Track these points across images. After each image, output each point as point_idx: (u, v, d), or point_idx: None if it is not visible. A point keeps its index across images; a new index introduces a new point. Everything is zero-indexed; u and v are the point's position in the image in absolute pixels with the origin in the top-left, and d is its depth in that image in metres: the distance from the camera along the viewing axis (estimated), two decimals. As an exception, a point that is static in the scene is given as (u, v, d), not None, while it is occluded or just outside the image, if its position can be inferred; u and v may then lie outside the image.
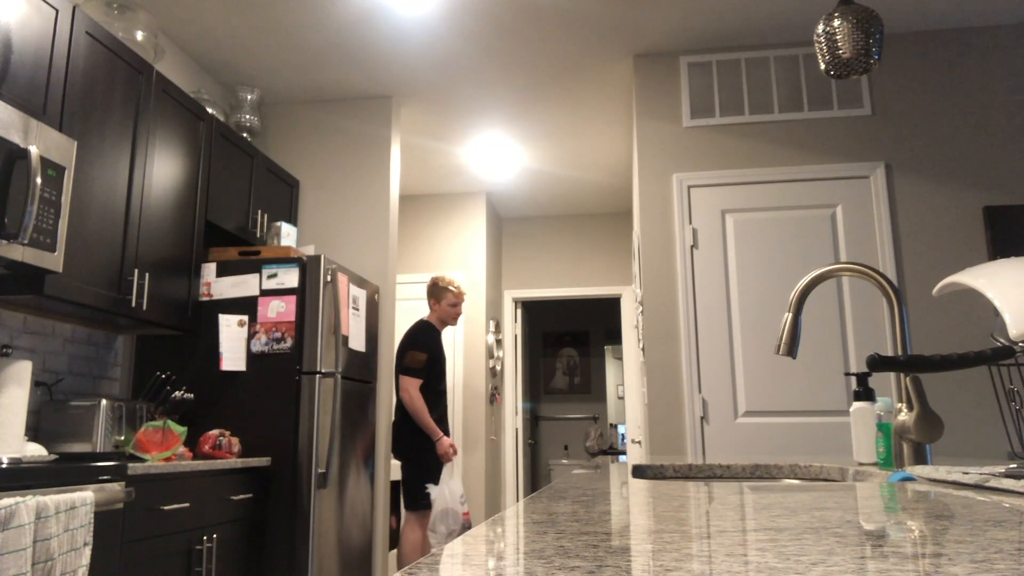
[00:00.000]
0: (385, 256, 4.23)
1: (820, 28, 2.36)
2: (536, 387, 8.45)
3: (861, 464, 1.53)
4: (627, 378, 6.07)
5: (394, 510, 4.36)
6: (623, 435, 7.81)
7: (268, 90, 4.29)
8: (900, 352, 1.43)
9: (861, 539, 0.51)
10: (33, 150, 2.20)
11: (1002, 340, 1.10)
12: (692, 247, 3.68)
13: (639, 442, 5.20)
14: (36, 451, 2.42)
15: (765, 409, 3.47)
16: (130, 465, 2.31)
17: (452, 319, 4.07)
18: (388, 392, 4.15)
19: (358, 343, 3.71)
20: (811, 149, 3.70)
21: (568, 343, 8.55)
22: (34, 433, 2.74)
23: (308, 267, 3.35)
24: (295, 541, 3.10)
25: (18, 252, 2.17)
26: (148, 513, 2.41)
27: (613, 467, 1.67)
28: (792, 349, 1.53)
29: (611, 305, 8.36)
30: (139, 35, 3.12)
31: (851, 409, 1.60)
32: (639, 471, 1.63)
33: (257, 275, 3.34)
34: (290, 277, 3.32)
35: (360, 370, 3.74)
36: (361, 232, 4.26)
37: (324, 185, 4.34)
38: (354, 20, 3.60)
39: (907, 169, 3.61)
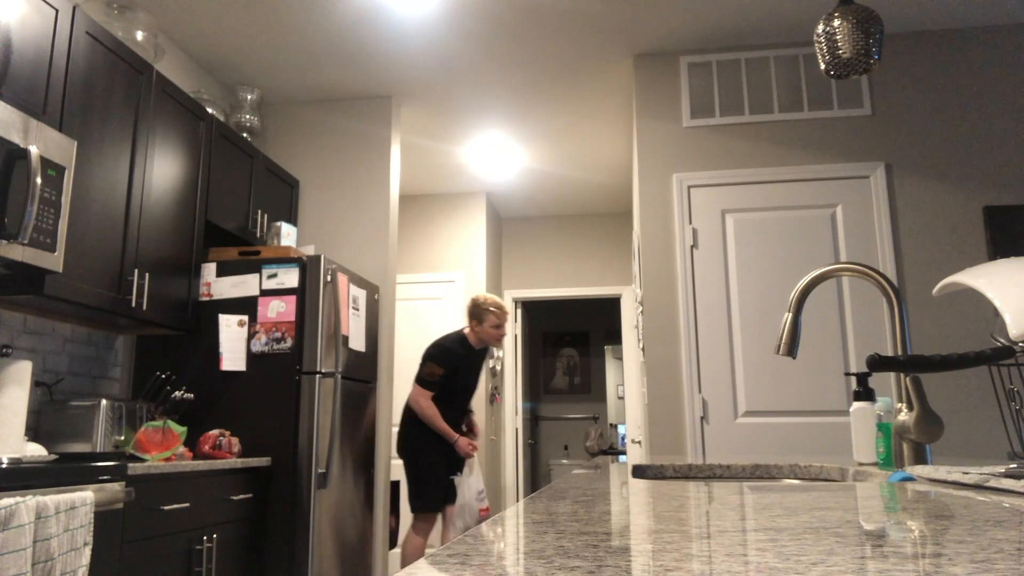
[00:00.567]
0: (385, 256, 4.23)
1: (820, 28, 2.36)
2: (536, 387, 8.46)
3: (861, 464, 1.53)
4: (627, 378, 6.07)
5: (394, 510, 4.36)
6: (623, 435, 7.81)
7: (268, 90, 4.29)
8: (900, 352, 1.43)
9: (861, 539, 0.51)
10: (33, 150, 2.20)
11: (1002, 340, 1.10)
12: (692, 247, 3.68)
13: (639, 442, 5.20)
14: (36, 451, 2.42)
15: (765, 409, 3.47)
16: (130, 465, 2.31)
17: (495, 340, 3.86)
18: (388, 392, 4.15)
19: (358, 343, 3.71)
20: (811, 149, 3.70)
21: (568, 343, 8.55)
22: (34, 433, 2.74)
23: (308, 267, 3.34)
24: (295, 541, 3.10)
25: (18, 252, 2.17)
26: (148, 513, 2.41)
27: (613, 467, 1.67)
28: (792, 349, 1.53)
29: (611, 305, 8.36)
30: (139, 35, 3.12)
31: (851, 409, 1.60)
32: (639, 471, 1.63)
33: (257, 275, 3.34)
34: (290, 277, 3.32)
35: (360, 370, 3.74)
36: (361, 232, 4.26)
37: (324, 185, 4.34)
38: (354, 20, 3.60)
39: (907, 169, 3.61)
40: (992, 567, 0.40)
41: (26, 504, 1.81)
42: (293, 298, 3.30)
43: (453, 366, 3.78)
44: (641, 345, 4.07)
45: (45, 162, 2.28)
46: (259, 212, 3.81)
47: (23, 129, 2.21)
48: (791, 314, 1.53)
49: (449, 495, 3.80)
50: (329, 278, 3.40)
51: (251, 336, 3.29)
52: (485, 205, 5.95)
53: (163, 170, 3.08)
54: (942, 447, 3.33)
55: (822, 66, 2.39)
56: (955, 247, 3.50)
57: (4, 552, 1.73)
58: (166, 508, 2.50)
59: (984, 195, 3.52)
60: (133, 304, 2.82)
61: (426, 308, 5.79)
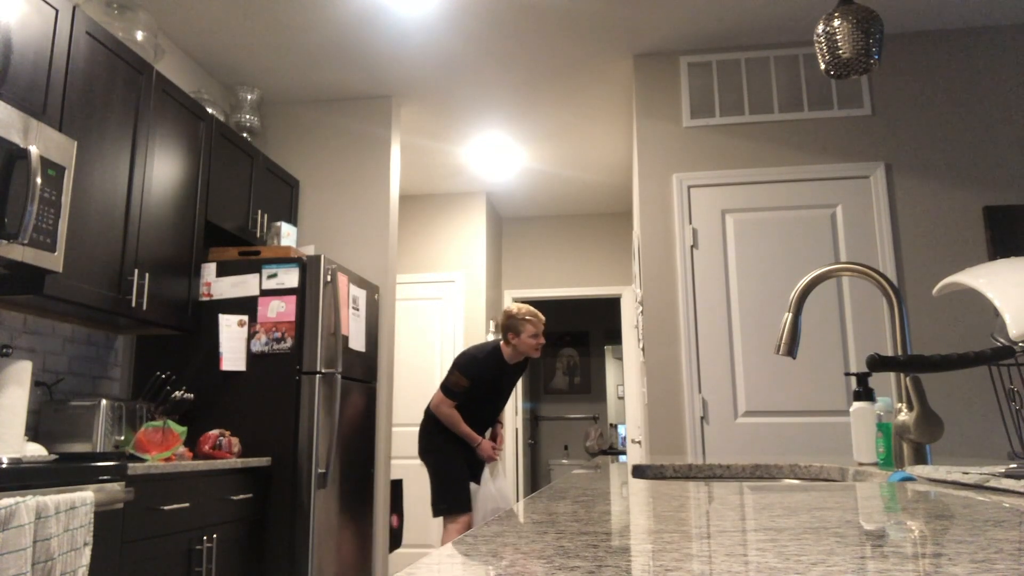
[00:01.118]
0: (385, 256, 4.23)
1: (820, 28, 2.36)
2: (536, 387, 8.46)
3: (861, 464, 1.53)
4: (627, 378, 6.07)
5: (394, 510, 4.35)
6: (623, 435, 7.81)
7: (268, 90, 4.29)
8: (900, 352, 1.43)
9: (861, 539, 0.51)
10: (33, 150, 2.20)
11: (1002, 340, 1.10)
12: (692, 247, 3.68)
13: (639, 442, 5.20)
14: (36, 451, 2.42)
15: (765, 409, 3.47)
16: (130, 465, 2.31)
17: (534, 351, 3.66)
18: (388, 392, 4.15)
19: (358, 343, 3.71)
20: (811, 149, 3.70)
21: (568, 343, 8.55)
22: (34, 433, 2.74)
23: (308, 267, 3.35)
24: (295, 541, 3.10)
25: (18, 252, 2.17)
26: (148, 513, 2.41)
27: (613, 467, 1.67)
28: (792, 349, 1.53)
29: (611, 305, 8.36)
30: (139, 35, 3.12)
31: (851, 409, 1.60)
32: (639, 471, 1.63)
33: (257, 275, 3.34)
34: (290, 277, 3.32)
35: (360, 370, 3.74)
36: (361, 232, 4.26)
37: (324, 185, 4.34)
38: (354, 20, 3.60)
39: (907, 169, 3.61)
40: (992, 567, 0.40)
41: (26, 504, 1.81)
42: (293, 298, 3.30)
43: (481, 379, 3.63)
44: (641, 345, 4.07)
45: (45, 162, 2.28)
46: (259, 212, 3.81)
47: (23, 129, 2.21)
48: (791, 314, 1.53)
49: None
50: (329, 278, 3.40)
51: (251, 336, 3.29)
52: (485, 205, 5.95)
53: (163, 170, 3.08)
54: (942, 447, 3.33)
55: (822, 66, 2.39)
56: (955, 247, 3.50)
57: (4, 552, 1.73)
58: (166, 508, 2.50)
59: (984, 195, 3.52)
60: (133, 304, 2.82)
61: (426, 308, 5.79)
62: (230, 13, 3.54)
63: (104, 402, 2.77)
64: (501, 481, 3.65)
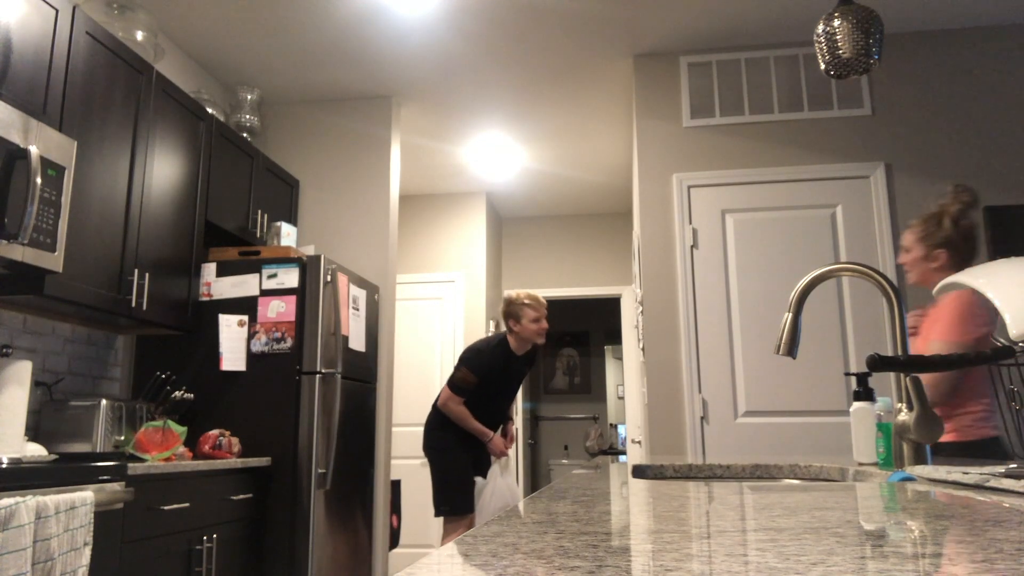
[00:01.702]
0: (385, 256, 4.23)
1: (820, 28, 2.36)
2: (536, 387, 8.46)
3: (861, 464, 1.53)
4: (627, 378, 6.07)
5: (394, 510, 4.35)
6: (623, 435, 7.81)
7: (268, 90, 4.29)
8: (900, 352, 1.43)
9: (861, 539, 0.51)
10: (33, 150, 2.20)
11: (1002, 340, 1.10)
12: (692, 247, 3.68)
13: (639, 442, 5.20)
14: (36, 451, 2.42)
15: (765, 409, 3.47)
16: (130, 465, 2.31)
17: (538, 336, 3.57)
18: (388, 392, 4.15)
19: (358, 343, 3.71)
20: (811, 149, 3.70)
21: (568, 343, 8.55)
22: (34, 433, 2.74)
23: (308, 267, 3.35)
24: (295, 541, 3.10)
25: (18, 252, 2.17)
26: (148, 513, 2.41)
27: (613, 467, 1.67)
28: (792, 349, 1.53)
29: (611, 305, 8.36)
30: (139, 35, 3.12)
31: (851, 409, 1.60)
32: (639, 471, 1.62)
33: (257, 275, 3.34)
34: (290, 277, 3.32)
35: (360, 370, 3.74)
36: (361, 232, 4.26)
37: (324, 185, 4.34)
38: (354, 20, 3.60)
39: (907, 169, 3.61)
40: (992, 567, 0.40)
41: (26, 504, 1.81)
42: (293, 298, 3.30)
43: (489, 373, 3.55)
44: (641, 345, 4.07)
45: (45, 162, 2.28)
46: (259, 212, 3.81)
47: (23, 129, 2.21)
48: (791, 314, 1.53)
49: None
50: (329, 278, 3.40)
51: (251, 336, 3.29)
52: (485, 205, 5.95)
53: (163, 170, 3.08)
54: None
55: (822, 66, 2.39)
56: (955, 247, 3.49)
57: (4, 552, 1.73)
58: (166, 508, 2.50)
59: (984, 195, 3.52)
60: (133, 304, 2.82)
61: (426, 308, 5.79)
62: (230, 13, 3.54)
63: (104, 402, 2.77)
64: (511, 478, 3.57)
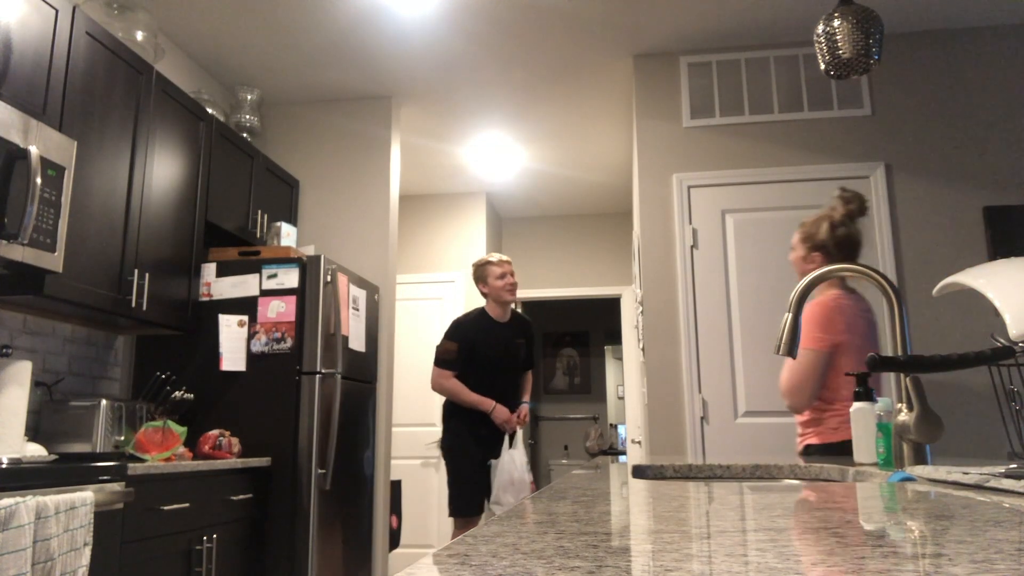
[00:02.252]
0: (385, 256, 4.23)
1: (820, 28, 2.36)
2: (536, 387, 8.46)
3: (861, 464, 1.53)
4: (627, 378, 6.07)
5: (394, 510, 4.35)
6: (623, 435, 7.81)
7: (268, 90, 4.29)
8: (900, 352, 1.43)
9: (861, 539, 0.51)
10: (33, 150, 2.20)
11: (1002, 340, 1.10)
12: (692, 247, 3.67)
13: (639, 442, 5.20)
14: (36, 451, 2.42)
15: (765, 409, 3.47)
16: (130, 465, 2.31)
17: (507, 292, 3.58)
18: (388, 392, 4.15)
19: (358, 343, 3.71)
20: (811, 149, 3.70)
21: (568, 343, 8.55)
22: (34, 433, 2.74)
23: (308, 267, 3.35)
24: (295, 541, 3.10)
25: (18, 252, 2.17)
26: (148, 513, 2.41)
27: (613, 467, 1.67)
28: (792, 349, 1.53)
29: (611, 305, 8.36)
30: (139, 35, 3.12)
31: (851, 409, 1.60)
32: (639, 471, 1.62)
33: (257, 275, 3.34)
34: (290, 277, 3.32)
35: (360, 370, 3.74)
36: (361, 232, 4.26)
37: (324, 185, 4.34)
38: (354, 20, 3.60)
39: (907, 169, 3.61)
40: (992, 567, 0.40)
41: (26, 504, 1.81)
42: (293, 298, 3.30)
43: (469, 340, 3.53)
44: (641, 345, 4.07)
45: (45, 162, 2.28)
46: (259, 212, 3.81)
47: (23, 129, 2.21)
48: (791, 314, 1.53)
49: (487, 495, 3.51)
50: (329, 278, 3.40)
51: (251, 336, 3.29)
52: (485, 205, 5.95)
53: (163, 170, 3.08)
54: (942, 447, 3.33)
55: (822, 66, 2.39)
56: (955, 247, 3.50)
57: (4, 552, 1.73)
58: (166, 508, 2.50)
59: (984, 195, 3.52)
60: (133, 304, 2.82)
61: (426, 308, 5.79)
62: (230, 13, 3.54)
63: (104, 402, 2.77)
64: (519, 453, 3.48)
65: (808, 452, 2.23)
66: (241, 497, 2.98)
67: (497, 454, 3.49)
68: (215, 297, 3.33)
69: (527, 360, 3.76)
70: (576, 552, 0.48)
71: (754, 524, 0.60)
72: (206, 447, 2.96)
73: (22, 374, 2.40)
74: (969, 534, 0.52)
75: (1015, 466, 0.98)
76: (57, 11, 2.47)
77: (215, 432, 3.01)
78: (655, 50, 3.92)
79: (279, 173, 4.09)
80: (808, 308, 2.27)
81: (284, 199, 4.14)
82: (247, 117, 4.08)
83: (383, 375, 4.09)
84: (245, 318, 3.30)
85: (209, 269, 3.36)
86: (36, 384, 2.75)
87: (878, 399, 1.60)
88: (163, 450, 2.69)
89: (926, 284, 3.48)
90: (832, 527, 0.58)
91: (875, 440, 1.54)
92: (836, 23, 2.31)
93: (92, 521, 2.04)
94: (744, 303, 3.59)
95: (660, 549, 0.48)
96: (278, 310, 3.30)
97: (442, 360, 3.54)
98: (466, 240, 5.90)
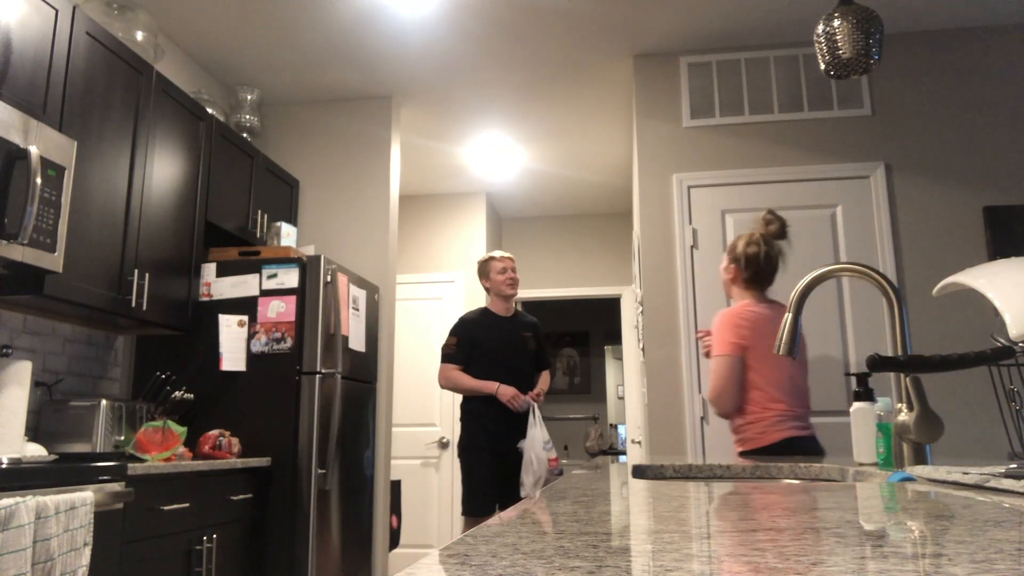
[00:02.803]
0: (385, 256, 4.23)
1: (820, 28, 2.36)
2: (536, 387, 8.44)
3: (861, 464, 1.53)
4: (627, 378, 6.07)
5: (394, 510, 4.35)
6: (623, 435, 7.81)
7: (268, 90, 4.29)
8: (900, 352, 1.43)
9: (861, 539, 0.51)
10: (33, 150, 2.20)
11: (1002, 340, 1.10)
12: (692, 247, 3.67)
13: (639, 442, 5.20)
14: (36, 451, 2.42)
15: (765, 409, 3.46)
16: (130, 465, 2.31)
17: (507, 286, 3.66)
18: (388, 392, 4.15)
19: (358, 343, 3.71)
20: (811, 149, 3.70)
21: (568, 343, 8.55)
22: (34, 433, 2.74)
23: (308, 267, 3.34)
24: (295, 541, 3.10)
25: (18, 252, 2.17)
26: (148, 513, 2.41)
27: (613, 467, 1.67)
28: (792, 349, 1.53)
29: (611, 305, 8.36)
30: (139, 35, 3.12)
31: (851, 409, 1.60)
32: (639, 471, 1.62)
33: (257, 275, 3.34)
34: (290, 277, 3.32)
35: (360, 370, 3.73)
36: (361, 232, 4.26)
37: (324, 185, 4.34)
38: (354, 20, 3.60)
39: (907, 169, 3.61)
40: (992, 567, 0.40)
41: (26, 504, 1.81)
42: (293, 298, 3.30)
43: (470, 334, 3.60)
44: (641, 345, 4.07)
45: (45, 162, 2.28)
46: (259, 212, 3.81)
47: (23, 129, 2.21)
48: (791, 314, 1.53)
49: (503, 499, 3.50)
50: (329, 278, 3.40)
51: (251, 336, 3.29)
52: (485, 205, 5.95)
53: (163, 170, 3.08)
54: (942, 447, 3.33)
55: (822, 66, 2.39)
56: (955, 247, 3.50)
57: (4, 552, 1.73)
58: (166, 508, 2.50)
59: (984, 195, 3.52)
60: (133, 304, 2.82)
61: (426, 308, 5.79)
62: (230, 13, 3.54)
63: (104, 402, 2.77)
64: (540, 429, 3.49)
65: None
66: (241, 497, 2.98)
67: (515, 447, 3.48)
68: (215, 297, 3.33)
69: (541, 361, 3.78)
70: (576, 552, 0.48)
71: (754, 524, 0.60)
72: (206, 447, 2.96)
73: (22, 374, 2.40)
74: (969, 534, 0.52)
75: (1015, 466, 0.98)
76: (57, 11, 2.47)
77: (215, 432, 3.01)
78: (655, 50, 3.92)
79: (279, 173, 4.09)
80: (717, 318, 2.48)
81: (284, 199, 4.15)
82: (247, 117, 4.08)
83: (383, 375, 4.09)
84: (245, 318, 3.30)
85: (209, 269, 3.36)
86: (36, 384, 2.75)
87: (878, 399, 1.61)
88: (163, 450, 2.69)
89: (926, 284, 3.48)
90: (832, 527, 0.58)
91: (875, 440, 1.54)
92: (836, 23, 2.31)
93: (92, 521, 2.04)
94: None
95: (660, 549, 0.48)
96: (278, 310, 3.30)
97: (445, 355, 3.62)
98: (466, 240, 5.90)
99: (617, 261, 6.31)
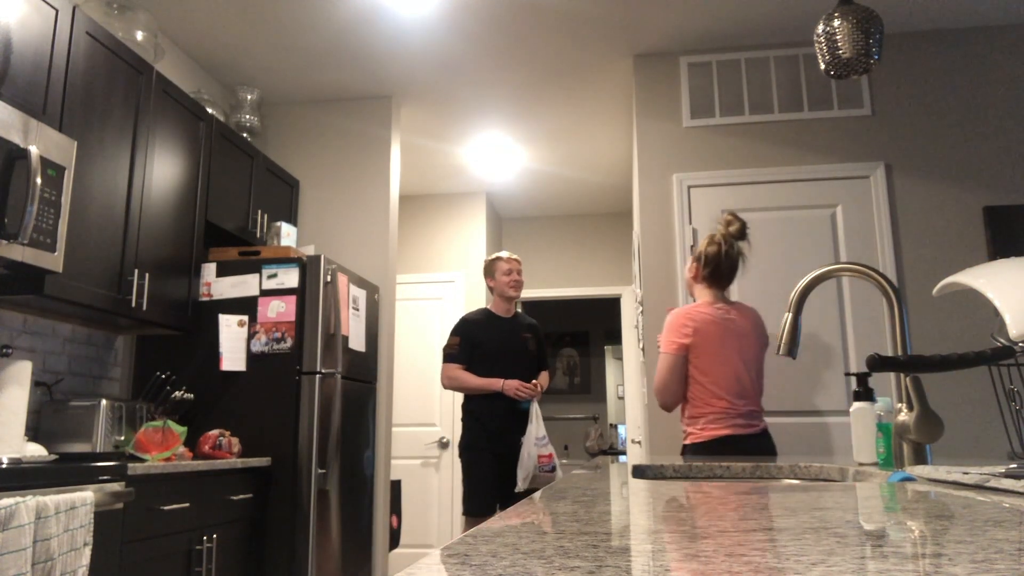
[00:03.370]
0: (385, 256, 4.23)
1: (820, 28, 2.36)
2: (536, 387, 8.44)
3: (861, 464, 1.53)
4: (627, 378, 6.07)
5: (394, 510, 4.35)
6: (623, 435, 7.81)
7: (268, 90, 4.29)
8: (900, 352, 1.43)
9: (861, 539, 0.51)
10: (33, 150, 2.20)
11: (1002, 340, 1.10)
12: (692, 247, 3.67)
13: (639, 442, 5.20)
14: (36, 451, 2.42)
15: (765, 409, 3.46)
16: (130, 465, 2.31)
17: (510, 288, 3.69)
18: (388, 392, 4.15)
19: (358, 343, 3.71)
20: (811, 149, 3.70)
21: (568, 343, 8.55)
22: (34, 433, 2.74)
23: (308, 267, 3.35)
24: (295, 541, 3.10)
25: (18, 252, 2.17)
26: (148, 513, 2.41)
27: (613, 467, 1.67)
28: (792, 349, 1.53)
29: (611, 305, 8.36)
30: (139, 35, 3.12)
31: (851, 409, 1.60)
32: (639, 471, 1.62)
33: (257, 275, 3.34)
34: (290, 277, 3.32)
35: (360, 370, 3.74)
36: (361, 232, 4.26)
37: (324, 185, 4.34)
38: (354, 20, 3.60)
39: (907, 169, 3.61)
40: (992, 567, 0.40)
41: (26, 504, 1.81)
42: (293, 298, 3.30)
43: (471, 334, 3.61)
44: (641, 345, 4.07)
45: (45, 162, 2.28)
46: (259, 212, 3.81)
47: (23, 129, 2.21)
48: (791, 314, 1.53)
49: (504, 499, 3.50)
50: (329, 278, 3.40)
51: (251, 336, 3.29)
52: (485, 205, 5.95)
53: (163, 170, 3.08)
54: (942, 447, 3.33)
55: (822, 66, 2.39)
56: (955, 247, 3.50)
57: (4, 552, 1.73)
58: (166, 508, 2.50)
59: (984, 195, 3.52)
60: (133, 304, 2.82)
61: (426, 308, 5.79)
62: (230, 13, 3.54)
63: (104, 402, 2.77)
64: (536, 424, 3.46)
65: (684, 452, 2.58)
66: (241, 497, 2.98)
67: (515, 447, 3.47)
68: (215, 297, 3.33)
69: (540, 361, 3.79)
70: (576, 552, 0.48)
71: (754, 524, 0.60)
72: (206, 447, 2.96)
73: (22, 374, 2.40)
74: (969, 534, 0.52)
75: (1015, 466, 0.98)
76: (57, 11, 2.47)
77: (215, 432, 3.01)
78: (655, 50, 3.92)
79: (279, 173, 4.09)
80: (668, 317, 2.63)
81: (284, 199, 4.15)
82: (247, 117, 4.08)
83: (383, 375, 4.09)
84: (245, 318, 3.30)
85: (209, 269, 3.36)
86: (36, 384, 2.75)
87: (878, 399, 1.61)
88: (163, 450, 2.69)
89: (926, 284, 3.47)
90: (832, 527, 0.58)
91: (875, 440, 1.54)
92: (836, 23, 2.31)
93: (92, 521, 2.04)
94: (744, 303, 3.58)
95: (660, 549, 0.48)
96: (278, 310, 3.30)
97: (447, 355, 3.63)
98: (466, 240, 5.90)
99: (617, 261, 6.30)
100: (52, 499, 1.90)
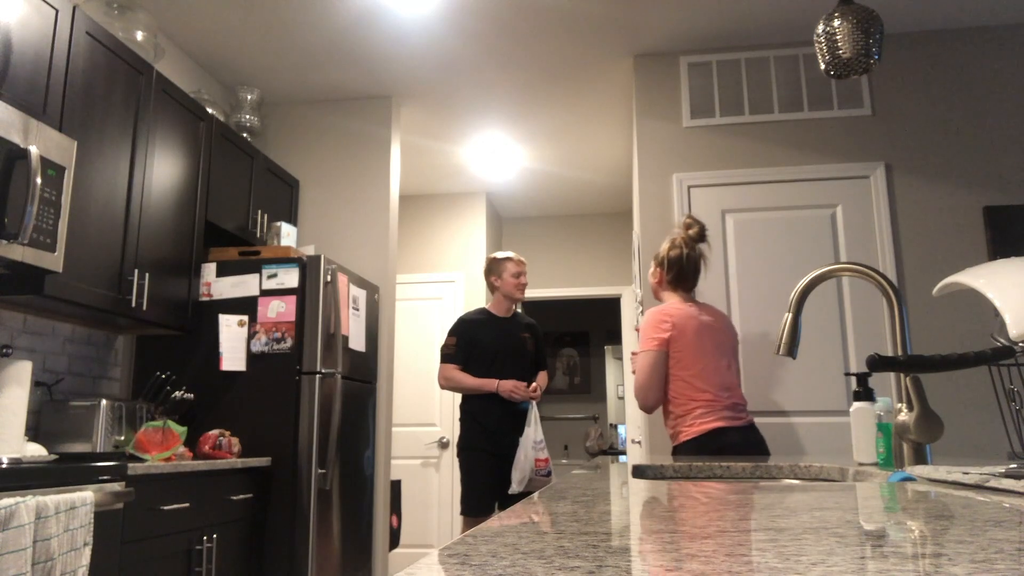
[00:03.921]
0: (385, 256, 4.23)
1: (820, 28, 2.36)
2: (536, 387, 8.44)
3: (861, 464, 1.53)
4: (627, 378, 6.07)
5: (394, 510, 4.35)
6: (623, 435, 7.81)
7: (268, 90, 4.29)
8: (900, 352, 1.43)
9: (861, 539, 0.51)
10: (33, 150, 2.20)
11: (1002, 340, 1.10)
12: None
13: (639, 442, 5.20)
14: (36, 451, 2.42)
15: (765, 409, 3.47)
16: (130, 465, 2.31)
17: (517, 290, 3.67)
18: (388, 392, 4.15)
19: (358, 343, 3.71)
20: (811, 149, 3.70)
21: (568, 343, 8.55)
22: (34, 433, 2.74)
23: (308, 267, 3.35)
24: (295, 541, 3.10)
25: (18, 252, 2.17)
26: (148, 513, 2.41)
27: (613, 467, 1.67)
28: (792, 349, 1.53)
29: (611, 305, 8.36)
30: (139, 35, 3.12)
31: (851, 409, 1.60)
32: (639, 471, 1.62)
33: (257, 275, 3.34)
34: (290, 277, 3.32)
35: (360, 370, 3.74)
36: (361, 232, 4.26)
37: (324, 185, 4.34)
38: (354, 20, 3.60)
39: (907, 169, 3.61)
40: (992, 567, 0.40)
41: (26, 504, 1.81)
42: (293, 298, 3.30)
43: (469, 335, 3.59)
44: (641, 345, 4.06)
45: (45, 162, 2.28)
46: (259, 212, 3.81)
47: (23, 129, 2.21)
48: (791, 314, 1.53)
49: (502, 499, 3.49)
50: (329, 278, 3.40)
51: (251, 336, 3.29)
52: (485, 205, 5.95)
53: (163, 170, 3.08)
54: (942, 447, 3.33)
55: (822, 66, 2.39)
56: (955, 247, 3.50)
57: (4, 552, 1.73)
58: (166, 508, 2.50)
59: (984, 195, 3.52)
60: (133, 304, 2.82)
61: (426, 308, 5.79)
62: (230, 13, 3.54)
63: (104, 402, 2.77)
64: (534, 428, 3.45)
65: (676, 452, 2.55)
66: (241, 497, 2.98)
67: (514, 447, 3.46)
68: (215, 297, 3.33)
69: (539, 361, 3.78)
70: (576, 552, 0.48)
71: (754, 524, 0.60)
72: (206, 447, 2.96)
73: (22, 374, 2.40)
74: (969, 534, 0.52)
75: (1015, 466, 0.98)
76: (57, 11, 2.47)
77: (215, 432, 3.01)
78: (655, 50, 3.92)
79: (279, 173, 4.09)
80: (643, 317, 2.65)
81: (284, 199, 4.15)
82: (247, 117, 4.08)
83: (383, 375, 4.09)
84: (245, 318, 3.30)
85: (209, 269, 3.36)
86: (36, 384, 2.75)
87: (878, 399, 1.61)
88: (163, 450, 2.69)
89: (926, 284, 3.47)
90: (832, 527, 0.58)
91: (875, 440, 1.54)
92: (836, 23, 2.31)
93: (92, 521, 2.04)
94: (744, 303, 3.58)
95: (660, 549, 0.48)
96: (278, 310, 3.30)
97: (444, 355, 3.62)
98: (466, 240, 5.90)
99: (617, 261, 6.30)
100: (52, 499, 1.90)
